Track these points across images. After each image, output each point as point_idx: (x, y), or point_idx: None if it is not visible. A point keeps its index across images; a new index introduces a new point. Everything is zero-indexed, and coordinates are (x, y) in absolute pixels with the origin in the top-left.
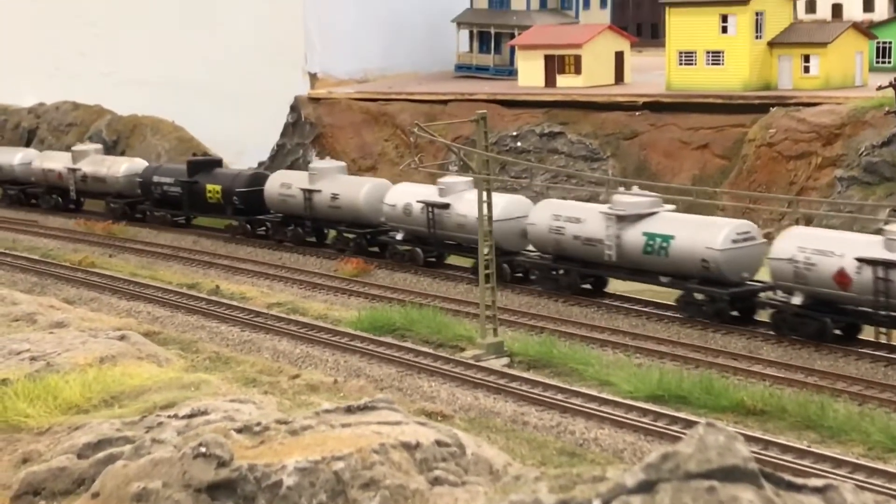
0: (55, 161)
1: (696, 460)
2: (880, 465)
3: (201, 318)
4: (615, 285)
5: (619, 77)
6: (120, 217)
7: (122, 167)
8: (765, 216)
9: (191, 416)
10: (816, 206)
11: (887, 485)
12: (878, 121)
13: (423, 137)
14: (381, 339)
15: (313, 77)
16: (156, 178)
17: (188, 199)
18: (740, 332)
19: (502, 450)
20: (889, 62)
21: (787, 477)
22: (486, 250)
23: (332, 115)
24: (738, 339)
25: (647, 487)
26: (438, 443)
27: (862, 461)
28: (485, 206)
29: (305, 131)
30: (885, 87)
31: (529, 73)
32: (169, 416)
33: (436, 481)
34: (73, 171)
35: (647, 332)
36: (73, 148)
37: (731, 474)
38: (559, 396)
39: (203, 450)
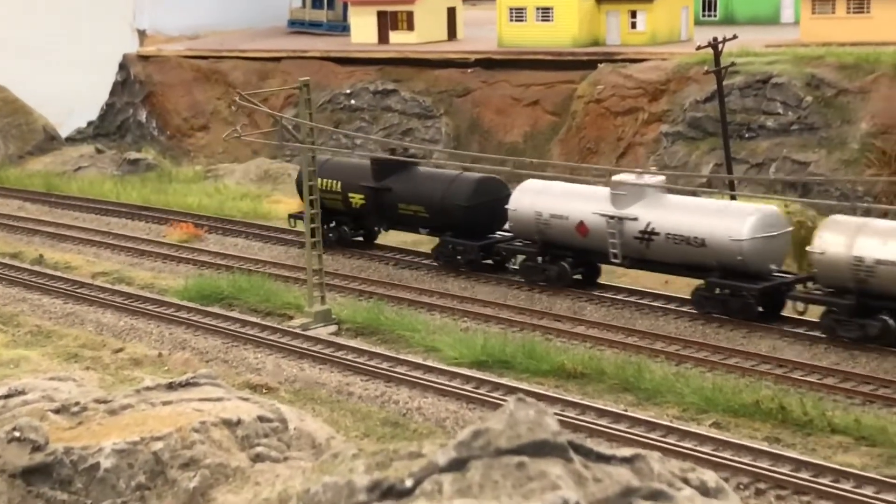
0: None
1: (506, 436)
2: (693, 428)
3: (23, 290)
4: None
5: (451, 33)
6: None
7: None
8: (593, 173)
9: (7, 396)
10: (643, 163)
11: (698, 447)
12: (701, 77)
13: (247, 107)
14: (208, 308)
15: (142, 34)
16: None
17: (375, 210)
18: (566, 293)
19: (326, 422)
20: (715, 15)
21: (597, 448)
22: (312, 211)
23: (162, 74)
24: (563, 300)
25: (458, 465)
26: (261, 418)
27: (675, 423)
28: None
29: (135, 90)
30: (705, 47)
31: (362, 30)
32: None
33: (257, 458)
34: None
35: (475, 294)
36: None
37: (540, 449)
38: (384, 365)
39: (17, 434)
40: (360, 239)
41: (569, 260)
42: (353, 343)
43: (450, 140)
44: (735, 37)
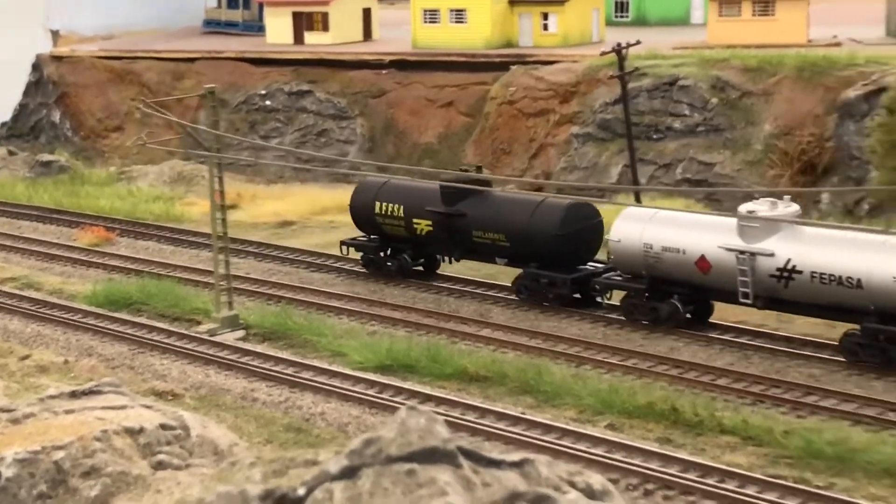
0: None
1: (397, 444)
2: (588, 430)
3: None
4: None
5: (367, 34)
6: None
7: None
8: (507, 171)
9: None
10: (555, 164)
11: (591, 449)
12: (610, 80)
13: (151, 113)
14: (116, 314)
15: (56, 34)
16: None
17: (446, 238)
18: (472, 295)
19: (230, 428)
20: (627, 16)
21: (487, 454)
22: (217, 215)
23: (75, 74)
24: (470, 302)
25: (350, 473)
26: (163, 426)
27: (571, 426)
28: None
29: (48, 91)
30: (609, 53)
31: (278, 30)
32: None
33: (159, 465)
34: None
35: (383, 298)
36: None
37: (430, 456)
38: (289, 371)
39: None
40: (421, 269)
41: (681, 298)
42: (259, 348)
43: (365, 141)
44: (638, 42)
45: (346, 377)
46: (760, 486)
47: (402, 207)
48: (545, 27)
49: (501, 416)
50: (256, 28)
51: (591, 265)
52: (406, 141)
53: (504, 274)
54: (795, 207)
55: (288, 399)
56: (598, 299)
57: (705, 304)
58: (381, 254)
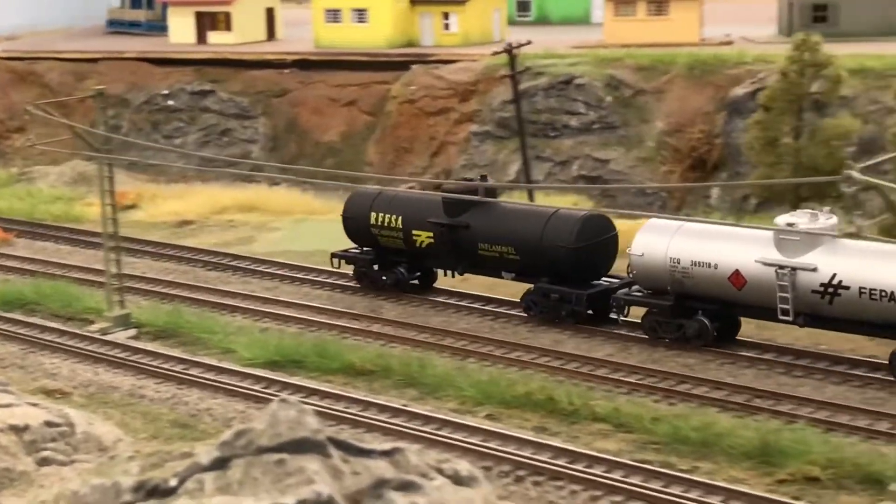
0: None
1: (268, 435)
2: (467, 420)
3: None
4: None
5: (270, 33)
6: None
7: None
8: (409, 169)
9: None
10: (455, 162)
11: (468, 438)
12: (518, 77)
13: (40, 116)
14: (8, 315)
15: None
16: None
17: (448, 251)
18: (364, 292)
19: (117, 425)
20: (530, 16)
21: (357, 443)
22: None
23: None
24: (362, 299)
25: (221, 464)
26: (48, 423)
27: (451, 416)
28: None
29: None
30: (500, 52)
31: (181, 30)
32: None
33: (44, 462)
34: None
35: (277, 295)
36: None
37: (300, 446)
38: (178, 368)
39: None
40: (417, 282)
41: (708, 314)
42: (150, 346)
43: (267, 140)
44: (529, 42)
45: (234, 373)
46: (626, 470)
47: (400, 218)
48: (446, 27)
49: (384, 409)
50: (160, 28)
51: (605, 280)
52: (309, 140)
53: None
54: (835, 220)
55: (175, 395)
56: (615, 316)
57: (733, 321)
58: (375, 267)
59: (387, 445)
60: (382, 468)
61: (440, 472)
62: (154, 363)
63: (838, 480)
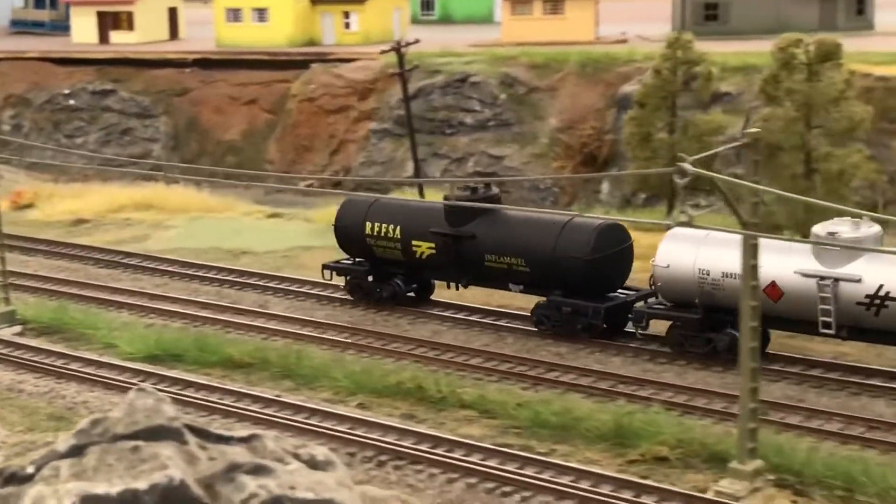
0: None
1: (124, 423)
2: (338, 409)
3: None
4: None
5: (173, 33)
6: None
7: None
8: (309, 167)
9: None
10: (354, 159)
11: (337, 426)
12: (406, 75)
13: None
14: None
15: None
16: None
17: (452, 262)
18: (253, 287)
19: None
20: (433, 15)
21: (216, 431)
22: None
23: None
24: (250, 294)
25: (77, 451)
26: None
27: (322, 406)
28: None
29: None
30: (388, 51)
31: (83, 30)
32: None
33: None
34: None
35: (167, 291)
36: None
37: (156, 433)
38: (58, 362)
39: None
40: (413, 294)
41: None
42: (33, 342)
43: (168, 139)
44: (417, 40)
45: (113, 367)
46: (484, 453)
47: (398, 228)
48: (347, 26)
49: (257, 399)
50: (63, 28)
51: (620, 292)
52: (210, 138)
53: (292, 266)
54: (878, 228)
55: (53, 389)
56: (634, 329)
57: (764, 334)
58: (370, 278)
59: (244, 432)
60: (239, 454)
61: (296, 456)
62: (35, 358)
63: (686, 459)
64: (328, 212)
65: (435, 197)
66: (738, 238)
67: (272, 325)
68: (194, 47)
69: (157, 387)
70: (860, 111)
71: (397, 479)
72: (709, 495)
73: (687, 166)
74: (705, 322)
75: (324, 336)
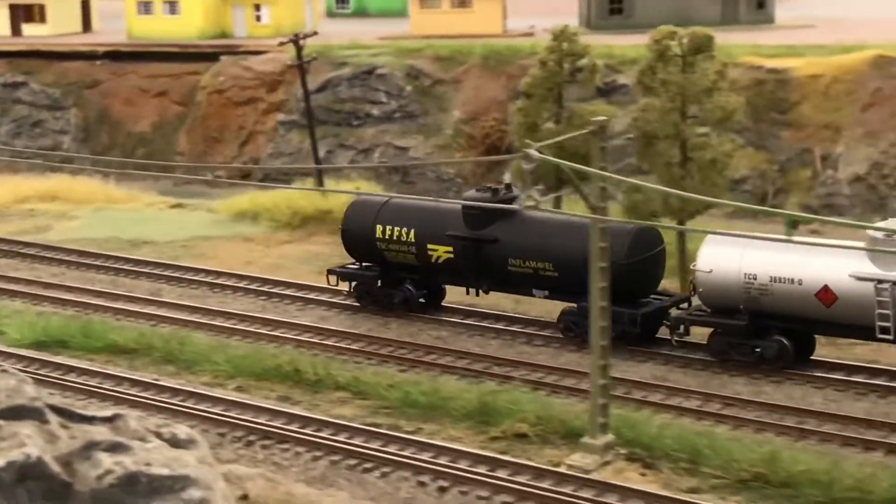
0: None
1: None
2: (216, 392)
3: None
4: None
5: (86, 25)
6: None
7: None
8: (219, 158)
9: None
10: (263, 150)
11: (211, 408)
12: (313, 68)
13: None
14: None
15: None
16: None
17: (471, 267)
18: (147, 275)
19: None
20: (348, 8)
21: (79, 411)
22: None
23: None
24: (144, 282)
25: None
26: None
27: (200, 389)
28: None
29: None
30: (286, 43)
31: None
32: None
33: None
34: None
35: (63, 280)
36: None
37: (17, 413)
38: None
39: None
40: (423, 301)
41: (785, 333)
42: None
43: (79, 131)
44: (315, 33)
45: None
46: (351, 432)
47: (412, 231)
48: (258, 18)
49: (136, 383)
50: None
51: (654, 297)
52: (121, 130)
53: (191, 255)
54: None
55: None
56: (670, 337)
57: (811, 340)
58: (380, 284)
59: (108, 412)
60: (100, 433)
61: (158, 435)
62: None
63: (545, 436)
64: (231, 202)
65: (337, 186)
66: (785, 242)
67: (162, 312)
68: (106, 40)
69: (40, 372)
70: (732, 101)
71: (264, 457)
72: (561, 469)
73: (532, 152)
74: (751, 329)
75: (212, 323)
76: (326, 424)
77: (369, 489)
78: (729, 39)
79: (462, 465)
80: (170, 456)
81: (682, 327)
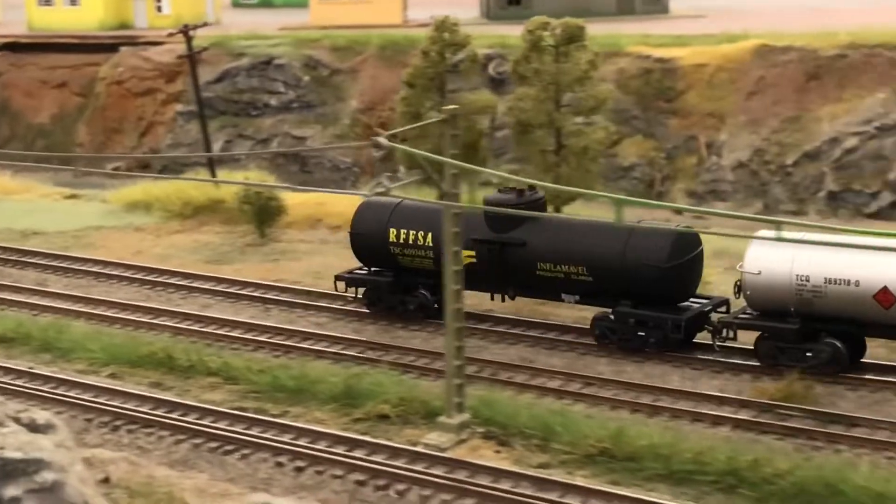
0: None
1: None
2: (88, 379)
3: None
4: None
5: None
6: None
7: None
8: (118, 149)
9: None
10: (162, 141)
11: (81, 395)
12: (212, 59)
13: None
14: None
15: None
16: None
17: (496, 272)
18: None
19: None
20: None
21: None
22: None
23: None
24: (30, 273)
25: None
26: None
27: (73, 376)
28: None
29: None
30: (175, 34)
31: None
32: None
33: None
34: None
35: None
36: None
37: None
38: None
39: None
40: (438, 307)
41: (837, 335)
42: None
43: None
44: (206, 24)
45: None
46: (216, 416)
47: (430, 235)
48: (159, 9)
49: (9, 371)
50: None
51: (693, 301)
52: (21, 122)
53: (80, 246)
54: None
55: None
56: (712, 342)
57: (862, 343)
58: (393, 290)
59: None
60: None
61: (16, 420)
62: None
63: (406, 416)
64: (125, 193)
65: (234, 177)
66: (838, 240)
67: (45, 301)
68: (6, 31)
69: None
70: (604, 90)
71: (129, 441)
72: (417, 448)
73: (382, 140)
74: (802, 332)
75: (93, 312)
76: (192, 409)
77: (229, 470)
78: (621, 29)
79: (321, 445)
80: (24, 440)
81: (725, 331)
